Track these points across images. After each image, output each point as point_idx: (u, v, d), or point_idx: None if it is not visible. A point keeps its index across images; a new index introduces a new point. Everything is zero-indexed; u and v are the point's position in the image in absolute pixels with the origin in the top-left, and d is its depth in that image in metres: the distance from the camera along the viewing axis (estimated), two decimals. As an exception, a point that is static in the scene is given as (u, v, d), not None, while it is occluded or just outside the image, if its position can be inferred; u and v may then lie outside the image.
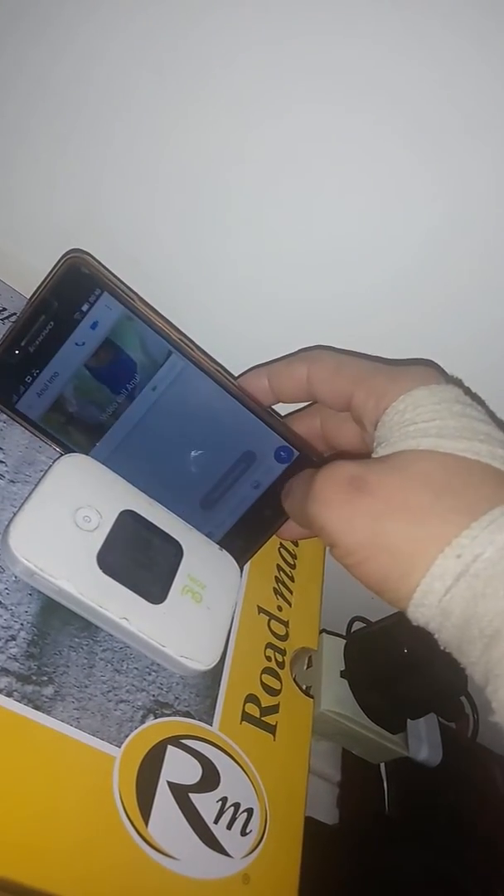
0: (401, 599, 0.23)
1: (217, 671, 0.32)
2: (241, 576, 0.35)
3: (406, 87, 0.27)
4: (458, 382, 0.28)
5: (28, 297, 0.35)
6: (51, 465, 0.31)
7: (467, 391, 0.28)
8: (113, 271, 0.29)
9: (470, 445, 0.25)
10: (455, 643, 0.22)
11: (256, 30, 0.27)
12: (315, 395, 0.31)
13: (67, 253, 0.29)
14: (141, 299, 0.30)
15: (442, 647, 0.23)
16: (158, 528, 0.32)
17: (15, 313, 0.35)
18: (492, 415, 0.27)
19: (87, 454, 0.33)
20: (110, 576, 0.29)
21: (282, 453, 0.33)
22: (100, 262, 0.29)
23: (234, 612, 0.34)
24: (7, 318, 0.35)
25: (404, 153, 0.29)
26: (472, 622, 0.21)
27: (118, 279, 0.29)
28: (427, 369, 0.28)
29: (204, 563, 0.33)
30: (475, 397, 0.28)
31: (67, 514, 0.29)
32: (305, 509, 0.26)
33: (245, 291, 0.36)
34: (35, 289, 0.29)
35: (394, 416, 0.26)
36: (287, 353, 0.36)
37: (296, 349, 0.36)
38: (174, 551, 0.32)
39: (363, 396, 0.28)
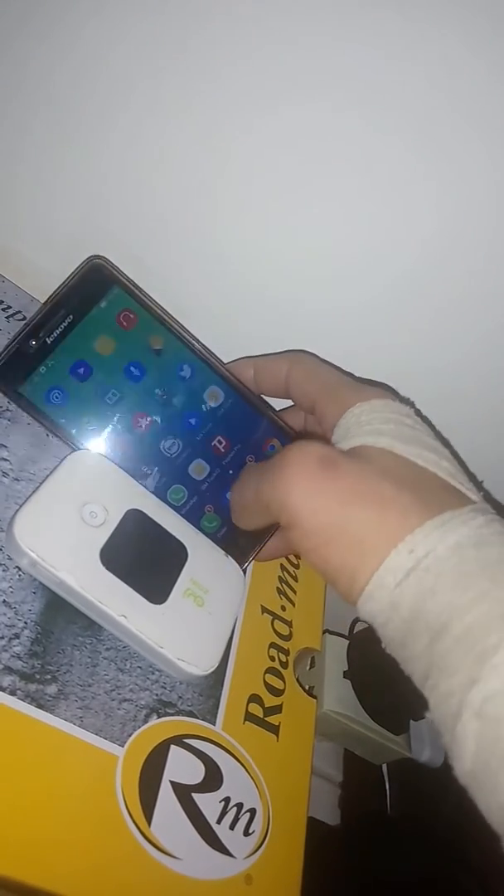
0: (353, 591, 0.24)
1: (220, 671, 0.32)
2: (245, 579, 0.35)
3: (405, 91, 0.27)
4: (411, 404, 0.30)
5: (32, 295, 0.36)
6: (62, 460, 0.31)
7: (418, 412, 0.29)
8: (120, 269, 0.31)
9: (421, 452, 0.26)
10: (399, 638, 0.23)
11: (256, 33, 0.27)
12: (289, 394, 0.33)
13: (90, 258, 0.32)
14: (153, 301, 0.32)
15: (383, 646, 0.23)
16: (164, 529, 0.32)
17: (20, 311, 0.35)
18: (439, 435, 0.29)
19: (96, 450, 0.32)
20: (112, 572, 0.29)
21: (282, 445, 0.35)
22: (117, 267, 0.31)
23: (236, 619, 0.33)
24: (11, 315, 0.35)
25: (403, 157, 0.29)
26: (420, 616, 0.22)
27: (132, 282, 0.31)
28: (385, 389, 0.30)
29: (208, 567, 0.33)
30: (426, 420, 0.29)
31: (74, 508, 0.29)
32: (267, 486, 0.26)
33: (244, 291, 0.37)
34: (55, 288, 0.31)
35: (350, 418, 0.28)
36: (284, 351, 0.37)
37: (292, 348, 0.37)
38: (178, 553, 0.32)
39: (325, 402, 0.30)
